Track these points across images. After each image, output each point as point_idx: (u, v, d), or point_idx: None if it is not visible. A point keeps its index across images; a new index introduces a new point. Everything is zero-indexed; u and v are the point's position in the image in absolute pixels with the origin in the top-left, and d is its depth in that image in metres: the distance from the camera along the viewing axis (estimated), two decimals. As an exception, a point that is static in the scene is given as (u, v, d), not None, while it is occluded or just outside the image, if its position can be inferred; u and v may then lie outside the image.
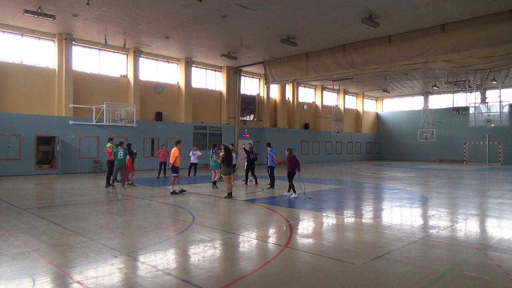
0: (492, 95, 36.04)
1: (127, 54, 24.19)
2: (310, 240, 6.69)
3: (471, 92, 34.07)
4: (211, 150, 14.07)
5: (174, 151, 12.60)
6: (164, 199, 11.75)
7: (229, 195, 11.74)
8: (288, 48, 22.57)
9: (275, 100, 34.11)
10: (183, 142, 25.34)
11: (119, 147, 14.15)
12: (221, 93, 29.70)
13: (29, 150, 19.82)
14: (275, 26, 19.21)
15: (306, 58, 24.23)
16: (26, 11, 16.32)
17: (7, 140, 19.14)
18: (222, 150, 12.26)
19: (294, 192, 12.07)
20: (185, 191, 12.91)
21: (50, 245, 6.10)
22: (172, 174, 12.58)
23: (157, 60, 26.04)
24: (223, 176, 12.01)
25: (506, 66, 20.21)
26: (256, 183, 15.16)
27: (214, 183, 14.35)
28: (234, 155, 15.47)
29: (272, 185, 14.10)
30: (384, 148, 46.12)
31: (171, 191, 12.55)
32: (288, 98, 34.96)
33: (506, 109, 30.73)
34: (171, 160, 12.54)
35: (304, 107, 36.72)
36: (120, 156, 13.99)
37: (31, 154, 19.91)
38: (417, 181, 18.12)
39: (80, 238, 6.52)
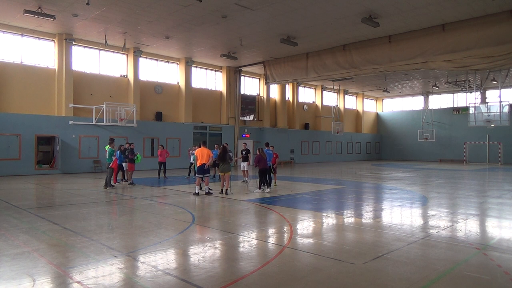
0: (492, 95, 36.05)
1: (127, 54, 24.19)
2: (310, 240, 6.69)
3: (471, 92, 34.08)
4: None
5: (208, 152, 12.49)
6: (164, 199, 11.75)
7: (222, 192, 12.29)
8: (288, 48, 22.57)
9: (275, 100, 34.11)
10: (182, 142, 25.69)
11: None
12: (221, 93, 29.70)
13: (29, 150, 19.81)
14: (275, 26, 19.21)
15: (306, 58, 24.23)
16: (26, 11, 16.32)
17: (7, 140, 19.13)
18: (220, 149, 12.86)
19: (268, 186, 13.17)
20: (198, 194, 12.51)
21: (50, 245, 6.10)
22: (205, 175, 12.42)
23: (157, 60, 26.03)
24: (220, 173, 12.54)
25: (506, 66, 20.21)
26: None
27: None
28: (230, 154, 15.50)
29: (265, 185, 14.00)
30: (384, 148, 46.12)
31: (206, 191, 12.44)
32: (288, 98, 34.96)
33: (506, 109, 30.72)
34: (207, 161, 12.31)
35: (304, 107, 36.72)
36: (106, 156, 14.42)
37: (31, 154, 19.90)
38: (417, 181, 18.12)
39: (80, 238, 6.52)
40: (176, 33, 20.51)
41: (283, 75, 26.10)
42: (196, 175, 12.59)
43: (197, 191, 12.39)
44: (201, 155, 12.33)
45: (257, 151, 13.54)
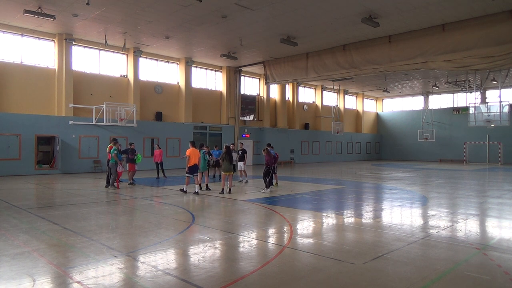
0: (492, 95, 36.05)
1: (127, 54, 24.19)
2: (310, 240, 6.69)
3: (471, 92, 34.07)
4: (201, 151, 13.60)
5: (198, 153, 13.01)
6: (164, 199, 11.75)
7: (222, 191, 12.48)
8: (288, 48, 22.57)
9: (275, 100, 34.11)
10: (183, 142, 25.67)
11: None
12: (221, 93, 29.70)
13: (29, 150, 19.81)
14: (275, 26, 19.21)
15: (306, 58, 24.22)
16: (26, 11, 16.32)
17: (7, 140, 19.13)
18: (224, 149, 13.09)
19: (269, 186, 13.35)
20: (186, 192, 12.80)
21: (50, 245, 6.10)
22: (195, 175, 12.85)
23: (157, 60, 26.03)
24: (223, 173, 12.74)
25: (506, 66, 20.19)
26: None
27: (206, 185, 13.75)
28: (235, 155, 15.51)
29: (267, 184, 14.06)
30: (384, 148, 46.12)
31: (185, 190, 12.75)
32: (288, 98, 34.96)
33: (506, 109, 30.72)
34: (198, 162, 12.80)
35: (304, 107, 36.72)
36: None
37: (31, 154, 19.90)
38: (417, 181, 18.12)
39: (80, 238, 6.52)
40: (176, 33, 20.51)
41: (283, 75, 26.09)
42: (187, 174, 12.80)
43: (196, 190, 12.51)
44: (194, 155, 12.63)
45: (263, 151, 13.93)
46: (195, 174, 12.75)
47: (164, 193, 13.10)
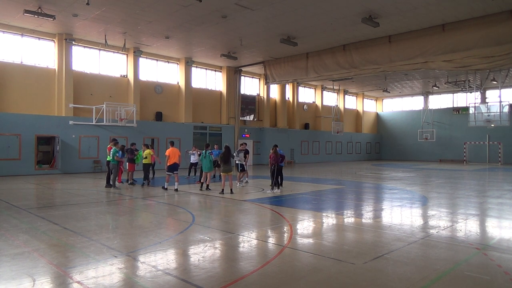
0: (492, 95, 36.06)
1: (127, 54, 24.19)
2: (310, 240, 6.69)
3: (471, 92, 34.07)
4: (206, 151, 13.64)
5: (179, 152, 13.90)
6: (164, 199, 11.75)
7: (222, 192, 12.46)
8: (288, 48, 22.57)
9: (275, 100, 34.11)
10: (183, 142, 25.67)
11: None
12: (221, 93, 29.70)
13: (29, 150, 19.81)
14: (275, 26, 19.21)
15: (306, 58, 24.23)
16: (26, 11, 16.32)
17: (7, 140, 19.13)
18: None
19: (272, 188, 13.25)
20: (166, 189, 13.44)
21: (50, 245, 6.10)
22: (175, 172, 13.45)
23: (157, 60, 26.04)
24: (222, 174, 12.81)
25: (506, 66, 20.22)
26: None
27: (207, 186, 13.63)
28: (241, 154, 15.48)
29: (275, 185, 14.03)
30: (384, 148, 46.12)
31: (176, 188, 13.34)
32: (288, 98, 34.96)
33: (506, 109, 30.73)
34: (178, 160, 13.51)
35: (304, 107, 36.72)
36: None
37: (31, 154, 19.90)
38: (417, 181, 18.12)
39: (80, 238, 6.52)
40: (176, 33, 20.51)
41: (283, 75, 26.10)
42: (167, 173, 13.37)
43: (176, 187, 13.23)
44: (173, 154, 13.38)
45: (271, 150, 13.97)
46: (175, 172, 13.28)
47: (164, 193, 13.09)
